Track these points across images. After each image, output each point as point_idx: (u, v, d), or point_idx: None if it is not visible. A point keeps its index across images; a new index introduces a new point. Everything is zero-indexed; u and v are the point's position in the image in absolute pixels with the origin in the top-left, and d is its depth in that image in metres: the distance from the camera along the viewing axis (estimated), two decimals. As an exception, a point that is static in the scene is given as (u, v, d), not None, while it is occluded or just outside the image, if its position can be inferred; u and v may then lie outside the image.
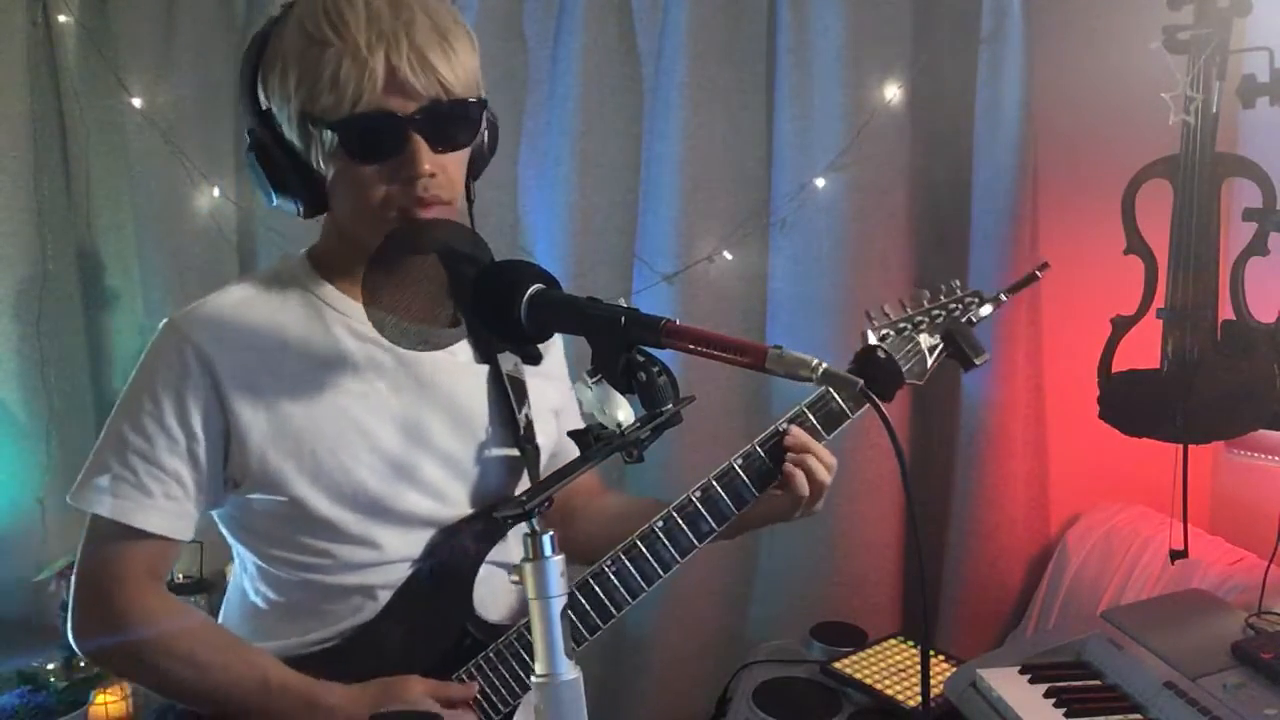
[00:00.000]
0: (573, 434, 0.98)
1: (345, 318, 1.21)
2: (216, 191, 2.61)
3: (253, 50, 1.15)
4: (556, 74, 2.43)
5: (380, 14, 1.07)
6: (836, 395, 1.29)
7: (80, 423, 2.69)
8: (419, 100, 1.08)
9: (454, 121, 1.13)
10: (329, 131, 1.09)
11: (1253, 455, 2.13)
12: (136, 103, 2.57)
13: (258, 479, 1.17)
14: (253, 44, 1.15)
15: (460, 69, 1.11)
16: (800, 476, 1.26)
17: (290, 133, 1.13)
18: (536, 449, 1.28)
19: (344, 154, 1.10)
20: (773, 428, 1.28)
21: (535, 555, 0.91)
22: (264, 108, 1.14)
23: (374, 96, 1.07)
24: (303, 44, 1.08)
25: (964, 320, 1.41)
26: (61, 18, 2.57)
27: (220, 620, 1.32)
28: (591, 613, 1.23)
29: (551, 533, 0.92)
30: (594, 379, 0.95)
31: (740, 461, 1.27)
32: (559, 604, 0.90)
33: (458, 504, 1.24)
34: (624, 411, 0.95)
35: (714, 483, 1.26)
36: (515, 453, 1.27)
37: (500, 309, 0.97)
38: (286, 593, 1.23)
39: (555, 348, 1.37)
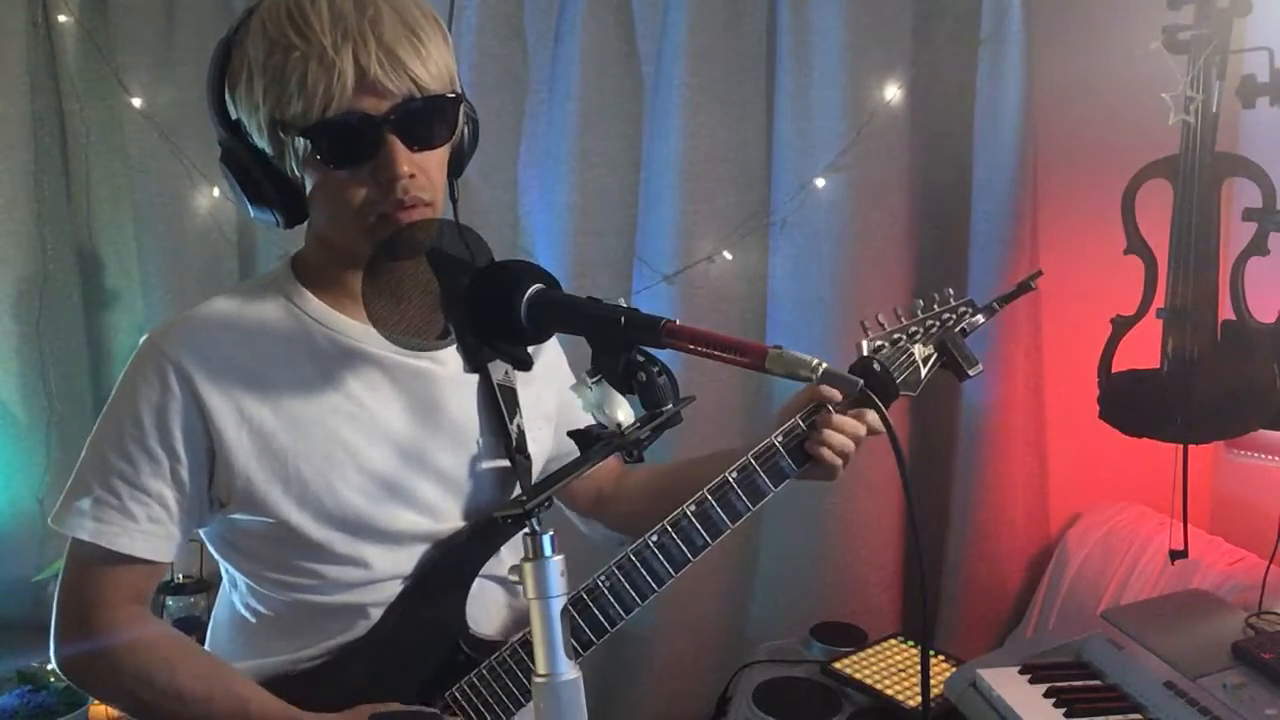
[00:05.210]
0: (573, 434, 0.97)
1: (330, 331, 1.17)
2: (216, 191, 2.61)
3: (217, 59, 1.11)
4: (556, 74, 2.42)
5: (344, 12, 1.04)
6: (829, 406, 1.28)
7: (80, 423, 2.69)
8: (391, 99, 1.05)
9: (429, 119, 1.09)
10: (301, 138, 1.06)
11: (1253, 455, 2.13)
12: (136, 103, 2.57)
13: (243, 500, 1.14)
14: (217, 52, 1.11)
15: (433, 64, 1.07)
16: (836, 458, 1.26)
17: (262, 142, 1.10)
18: (528, 459, 1.25)
19: (318, 160, 1.07)
20: (768, 440, 1.26)
21: (535, 555, 0.90)
22: (233, 118, 1.11)
23: (344, 99, 1.03)
24: (267, 50, 1.05)
25: (958, 330, 1.40)
26: (61, 18, 2.57)
27: (209, 634, 1.30)
28: (585, 628, 1.19)
29: (551, 533, 0.91)
30: (594, 379, 0.94)
31: (735, 475, 1.24)
32: (559, 604, 0.90)
33: (450, 518, 1.22)
34: (624, 411, 0.95)
35: (708, 495, 1.23)
36: (506, 464, 1.24)
37: (500, 309, 0.96)
38: (276, 610, 1.21)
39: (545, 351, 1.33)
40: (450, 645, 1.22)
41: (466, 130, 1.17)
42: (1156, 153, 1.90)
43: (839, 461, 1.26)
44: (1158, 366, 1.92)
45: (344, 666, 1.20)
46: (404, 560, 1.21)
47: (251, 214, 1.16)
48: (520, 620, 1.29)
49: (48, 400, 2.67)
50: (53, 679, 2.46)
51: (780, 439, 1.26)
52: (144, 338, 1.16)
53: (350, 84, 1.03)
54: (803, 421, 1.27)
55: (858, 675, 2.03)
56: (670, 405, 0.92)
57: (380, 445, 1.17)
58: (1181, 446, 1.89)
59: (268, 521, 1.15)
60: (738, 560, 2.51)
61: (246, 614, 1.24)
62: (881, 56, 2.28)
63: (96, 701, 2.40)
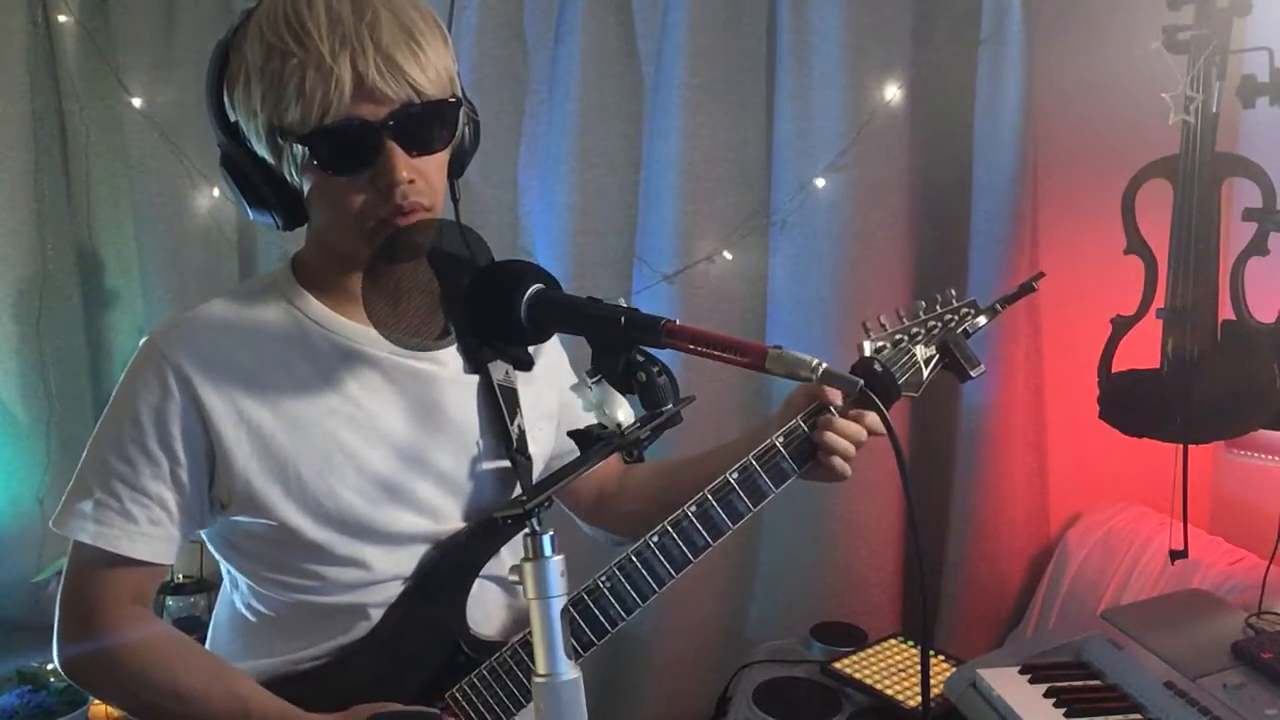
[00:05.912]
0: (573, 434, 0.97)
1: (329, 333, 1.17)
2: (216, 192, 2.61)
3: (215, 62, 1.11)
4: (556, 74, 2.43)
5: (342, 17, 1.03)
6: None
7: (80, 423, 2.69)
8: (390, 105, 1.05)
9: (428, 124, 1.09)
10: (299, 145, 1.06)
11: (1253, 455, 2.13)
12: (136, 103, 2.58)
13: (243, 501, 1.14)
14: (215, 55, 1.11)
15: (431, 69, 1.07)
16: (841, 462, 1.26)
17: (260, 147, 1.10)
18: (529, 460, 1.25)
19: (316, 166, 1.07)
20: (769, 441, 1.25)
21: (535, 555, 0.90)
22: (231, 121, 1.11)
23: (342, 106, 1.03)
24: (264, 55, 1.05)
25: (960, 331, 1.40)
26: (61, 18, 2.57)
27: (210, 634, 1.30)
28: (586, 628, 1.19)
29: (551, 533, 0.91)
30: (594, 379, 0.94)
31: (736, 476, 1.24)
32: (559, 604, 0.90)
33: (450, 519, 1.22)
34: (624, 411, 0.95)
35: (709, 496, 1.23)
36: (507, 464, 1.24)
37: (500, 309, 0.96)
38: (277, 610, 1.21)
39: (546, 351, 1.33)
40: (451, 646, 1.22)
41: (467, 131, 1.17)
42: (1156, 153, 1.90)
43: (848, 470, 1.27)
44: (1158, 366, 1.92)
45: (344, 667, 1.20)
46: (404, 561, 1.21)
47: (250, 216, 1.16)
48: (521, 621, 1.28)
49: (48, 400, 2.67)
50: (53, 679, 2.46)
51: (781, 439, 1.26)
52: (144, 339, 1.16)
53: (348, 91, 1.03)
54: (804, 422, 1.27)
55: (858, 675, 2.03)
56: (670, 405, 0.92)
57: (379, 447, 1.17)
58: (1181, 446, 1.89)
59: (268, 523, 1.15)
60: (738, 560, 2.51)
61: (247, 614, 1.24)
62: (881, 56, 2.28)
63: (97, 701, 2.40)
